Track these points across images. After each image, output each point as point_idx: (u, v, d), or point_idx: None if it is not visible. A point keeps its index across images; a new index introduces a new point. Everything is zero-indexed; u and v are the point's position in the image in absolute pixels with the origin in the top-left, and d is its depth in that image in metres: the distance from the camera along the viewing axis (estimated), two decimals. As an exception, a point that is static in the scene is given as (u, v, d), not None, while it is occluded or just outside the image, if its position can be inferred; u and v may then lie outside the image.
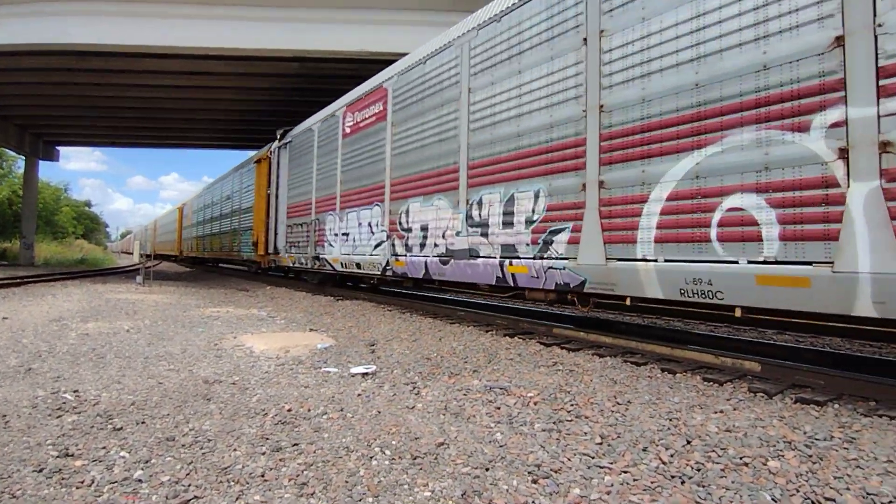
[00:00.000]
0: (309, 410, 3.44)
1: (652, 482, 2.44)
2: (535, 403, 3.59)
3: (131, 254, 36.61)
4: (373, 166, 9.09)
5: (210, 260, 25.51)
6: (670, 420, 3.21)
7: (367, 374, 4.44)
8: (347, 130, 10.19)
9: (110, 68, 17.11)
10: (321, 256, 10.98)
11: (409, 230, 7.90)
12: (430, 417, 3.36)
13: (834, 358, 4.84)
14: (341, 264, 10.06)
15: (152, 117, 23.70)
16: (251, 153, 21.24)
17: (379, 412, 3.44)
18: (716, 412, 3.37)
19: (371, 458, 2.71)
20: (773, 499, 2.26)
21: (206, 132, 27.03)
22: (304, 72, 16.88)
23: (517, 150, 5.90)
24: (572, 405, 3.53)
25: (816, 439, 2.88)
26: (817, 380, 3.85)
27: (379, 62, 13.61)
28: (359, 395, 3.83)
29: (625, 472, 2.54)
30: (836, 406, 3.48)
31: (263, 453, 2.73)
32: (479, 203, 6.43)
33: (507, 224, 5.98)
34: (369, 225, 9.07)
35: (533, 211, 5.64)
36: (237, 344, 5.75)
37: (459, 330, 6.61)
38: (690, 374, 4.30)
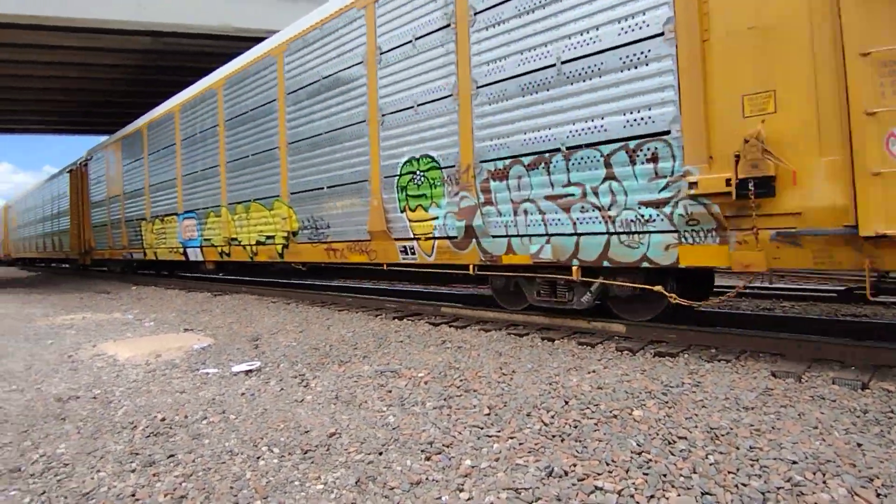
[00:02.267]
0: (186, 417, 3.20)
1: (536, 444, 2.60)
2: (426, 383, 3.65)
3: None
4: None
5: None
6: (550, 384, 3.45)
7: (250, 371, 4.22)
8: None
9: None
10: None
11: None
12: (321, 408, 3.28)
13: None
14: None
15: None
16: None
17: (265, 410, 3.28)
18: (589, 372, 3.67)
19: (258, 458, 2.59)
20: (637, 444, 2.53)
21: (45, 115, 23.54)
22: (160, 48, 15.29)
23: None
24: (461, 380, 3.64)
25: (671, 387, 3.26)
26: (670, 335, 4.35)
27: (247, 39, 12.73)
28: (242, 394, 3.63)
29: (511, 438, 2.68)
30: (686, 356, 3.96)
31: (133, 470, 2.49)
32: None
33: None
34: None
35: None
36: (97, 353, 5.15)
37: (348, 317, 6.51)
38: (567, 339, 4.64)
